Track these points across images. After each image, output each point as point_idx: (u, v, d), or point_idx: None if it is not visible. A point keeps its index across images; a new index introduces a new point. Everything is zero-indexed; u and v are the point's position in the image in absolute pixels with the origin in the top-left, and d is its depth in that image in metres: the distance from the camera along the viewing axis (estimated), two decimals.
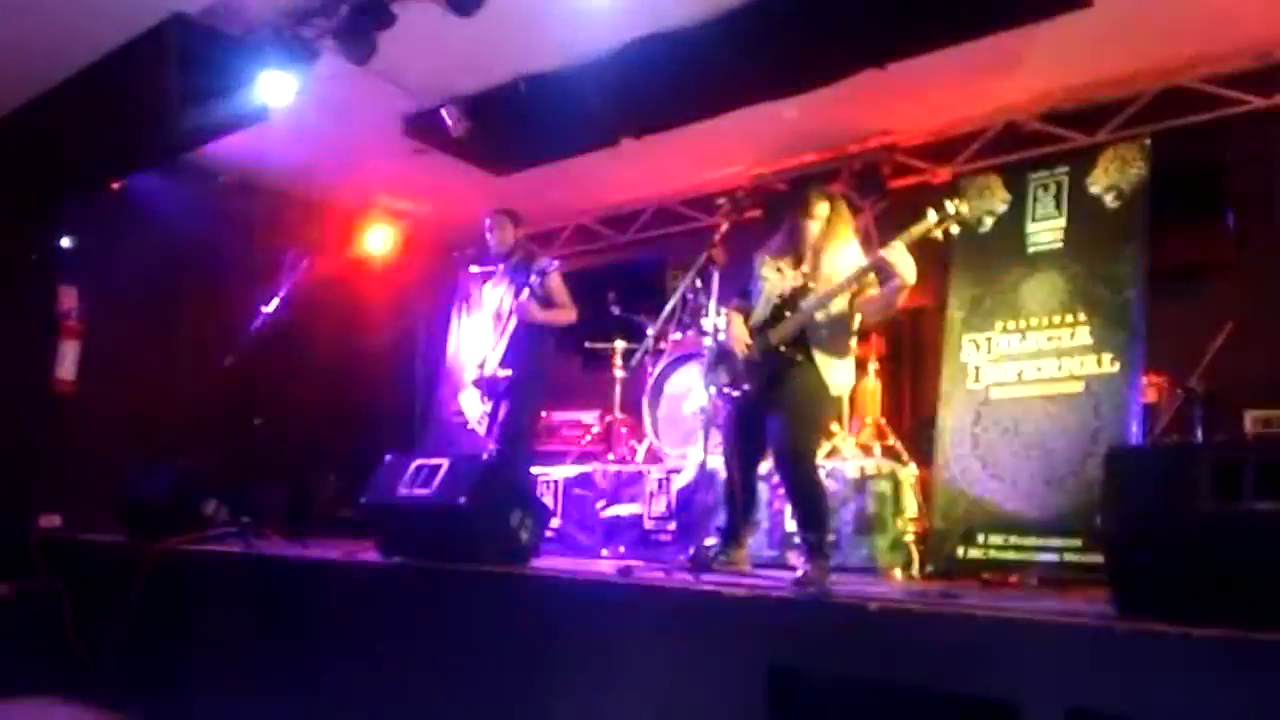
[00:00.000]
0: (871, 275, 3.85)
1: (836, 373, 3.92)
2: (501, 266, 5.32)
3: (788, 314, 3.94)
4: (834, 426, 4.98)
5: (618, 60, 5.21)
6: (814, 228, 3.99)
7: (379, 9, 4.69)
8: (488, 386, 5.13)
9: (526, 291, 5.00)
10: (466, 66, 5.50)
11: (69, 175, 6.27)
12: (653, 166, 6.67)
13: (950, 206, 3.76)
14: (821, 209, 4.00)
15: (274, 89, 5.07)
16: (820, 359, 3.87)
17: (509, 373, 5.03)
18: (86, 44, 5.27)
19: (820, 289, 3.90)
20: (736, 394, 4.04)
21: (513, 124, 5.84)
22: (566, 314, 5.20)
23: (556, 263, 5.12)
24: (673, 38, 4.98)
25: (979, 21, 4.66)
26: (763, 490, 5.00)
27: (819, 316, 3.88)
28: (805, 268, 3.98)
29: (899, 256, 3.70)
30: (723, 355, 4.14)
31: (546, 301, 5.11)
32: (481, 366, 5.20)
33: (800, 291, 3.95)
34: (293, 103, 5.16)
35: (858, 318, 3.98)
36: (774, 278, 4.04)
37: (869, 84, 5.11)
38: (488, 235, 5.33)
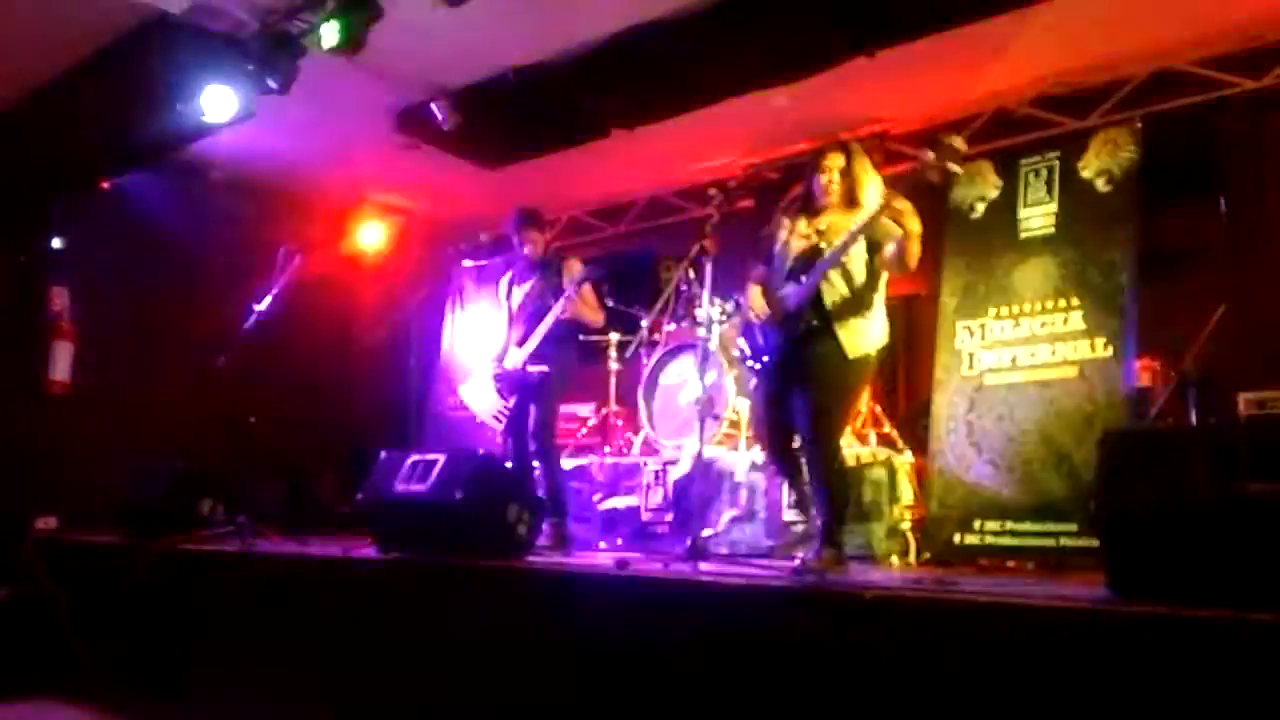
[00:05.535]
0: (884, 225, 3.60)
1: (858, 336, 3.68)
2: (526, 266, 5.26)
3: (803, 277, 3.70)
4: None
5: (608, 51, 5.19)
6: (829, 181, 3.78)
7: (365, 3, 4.66)
8: (512, 382, 5.08)
9: (577, 286, 4.94)
10: (456, 59, 5.48)
11: (58, 176, 6.25)
12: (644, 157, 6.65)
13: (947, 141, 3.53)
14: (836, 160, 3.79)
15: (260, 86, 5.03)
16: (839, 323, 3.65)
17: (542, 368, 4.97)
18: (72, 44, 5.24)
19: (834, 246, 3.66)
20: (759, 366, 3.88)
21: (503, 116, 5.82)
22: (599, 317, 5.23)
23: (593, 269, 5.10)
24: (662, 27, 4.96)
25: (968, 7, 4.65)
26: (759, 480, 5.02)
27: (835, 275, 3.68)
28: (821, 224, 3.76)
29: (904, 205, 3.55)
30: (746, 329, 3.97)
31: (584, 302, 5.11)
32: (500, 361, 5.15)
33: (814, 251, 3.72)
34: (281, 99, 5.13)
35: (883, 276, 3.75)
36: (788, 239, 3.85)
37: (859, 72, 5.10)
38: (515, 240, 5.20)
